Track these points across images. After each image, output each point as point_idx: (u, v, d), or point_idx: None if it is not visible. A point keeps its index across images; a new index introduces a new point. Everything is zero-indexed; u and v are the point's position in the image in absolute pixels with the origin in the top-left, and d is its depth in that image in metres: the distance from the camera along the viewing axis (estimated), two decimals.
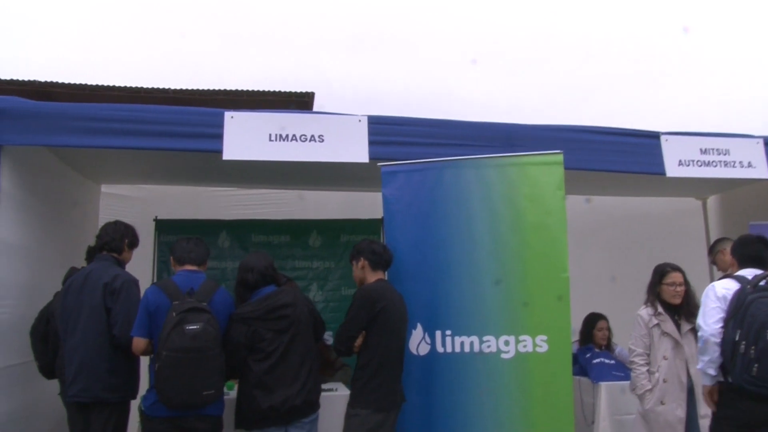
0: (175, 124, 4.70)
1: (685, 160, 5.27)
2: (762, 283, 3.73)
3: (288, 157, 4.68)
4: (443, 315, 4.26)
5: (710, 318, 3.84)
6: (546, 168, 4.27)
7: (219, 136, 4.61)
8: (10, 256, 4.57)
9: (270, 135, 4.67)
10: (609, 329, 5.74)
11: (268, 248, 6.42)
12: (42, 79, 10.83)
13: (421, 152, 4.74)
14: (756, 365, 3.52)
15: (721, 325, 3.76)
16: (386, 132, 4.86)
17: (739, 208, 7.21)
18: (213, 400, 3.68)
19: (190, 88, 11.12)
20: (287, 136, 4.68)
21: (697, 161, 5.30)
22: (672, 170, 5.22)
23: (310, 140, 4.71)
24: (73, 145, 4.62)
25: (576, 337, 5.84)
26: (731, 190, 7.23)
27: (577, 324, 5.84)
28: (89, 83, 10.99)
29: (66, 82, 10.85)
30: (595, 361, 5.31)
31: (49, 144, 4.67)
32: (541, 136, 4.98)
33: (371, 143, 4.77)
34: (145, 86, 11.07)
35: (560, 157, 4.25)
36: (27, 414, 4.81)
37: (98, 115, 4.66)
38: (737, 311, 3.67)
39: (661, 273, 4.71)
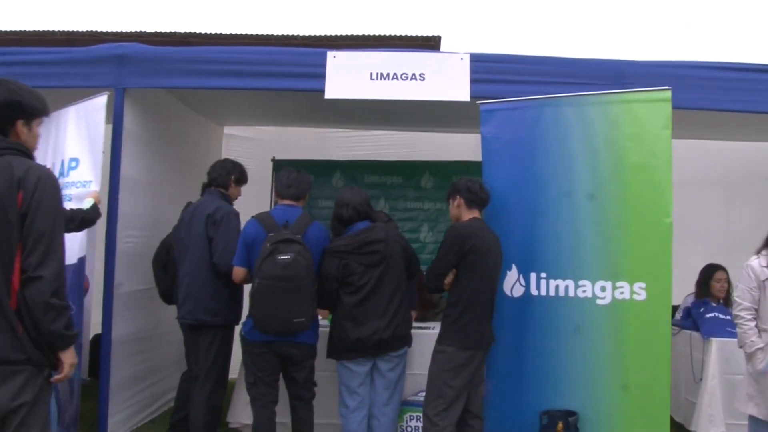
0: (280, 65, 4.84)
1: None
2: None
3: (389, 95, 4.69)
4: (539, 257, 4.17)
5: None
6: (652, 106, 4.02)
7: (322, 76, 4.68)
8: (135, 192, 4.96)
9: (371, 74, 4.70)
10: (729, 281, 5.37)
11: (381, 188, 6.53)
12: (182, 30, 11.47)
13: (526, 90, 4.58)
14: None
15: None
16: (490, 70, 4.75)
17: None
18: (304, 327, 3.83)
19: (317, 34, 11.32)
20: (388, 74, 4.69)
21: None
22: None
23: (411, 79, 4.68)
24: (186, 86, 4.92)
25: (693, 289, 5.54)
26: None
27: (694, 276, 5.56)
28: (223, 32, 11.45)
29: (202, 32, 11.38)
30: (708, 315, 4.99)
31: (165, 86, 4.96)
32: (656, 73, 4.65)
33: (474, 81, 4.67)
34: (275, 34, 11.37)
35: (668, 94, 3.98)
36: (150, 334, 5.27)
37: (209, 57, 4.91)
38: None
39: None
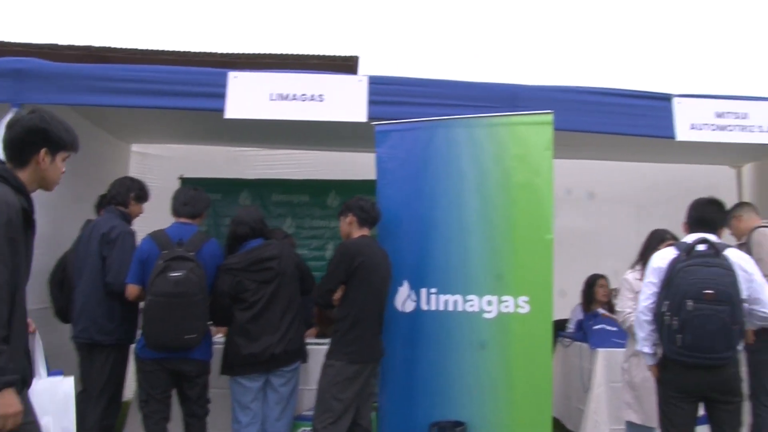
0: (181, 84, 4.87)
1: (698, 124, 5.11)
2: (701, 247, 3.59)
3: (288, 116, 4.79)
4: (429, 273, 4.33)
5: (642, 294, 3.76)
6: (535, 128, 4.23)
7: (223, 96, 4.74)
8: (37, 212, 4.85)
9: (271, 94, 4.78)
10: (609, 287, 5.80)
11: (288, 207, 6.61)
12: (97, 45, 11.29)
13: (423, 112, 4.75)
14: (679, 335, 3.43)
15: (651, 300, 3.65)
16: (388, 92, 4.89)
17: None
18: (195, 343, 3.86)
19: (236, 52, 11.33)
20: (288, 95, 4.78)
21: (712, 125, 5.13)
22: (683, 134, 5.07)
23: (311, 99, 4.79)
24: (85, 103, 4.87)
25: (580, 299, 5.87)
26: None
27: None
28: (140, 48, 11.32)
29: (119, 47, 11.23)
30: (596, 327, 5.26)
31: (63, 102, 4.88)
32: (547, 97, 4.90)
33: (372, 103, 4.81)
34: (193, 50, 11.32)
35: (550, 117, 4.20)
36: (45, 354, 5.14)
37: (110, 75, 4.89)
38: (667, 282, 3.56)
39: (660, 238, 4.62)
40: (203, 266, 3.93)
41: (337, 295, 4.06)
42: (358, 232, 4.21)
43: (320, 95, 4.79)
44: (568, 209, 7.27)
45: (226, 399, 4.19)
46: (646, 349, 3.76)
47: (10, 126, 2.52)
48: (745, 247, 4.91)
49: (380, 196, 4.48)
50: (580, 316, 5.79)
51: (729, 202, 6.86)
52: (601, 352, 5.06)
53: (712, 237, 3.70)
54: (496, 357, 4.21)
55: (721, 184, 7.25)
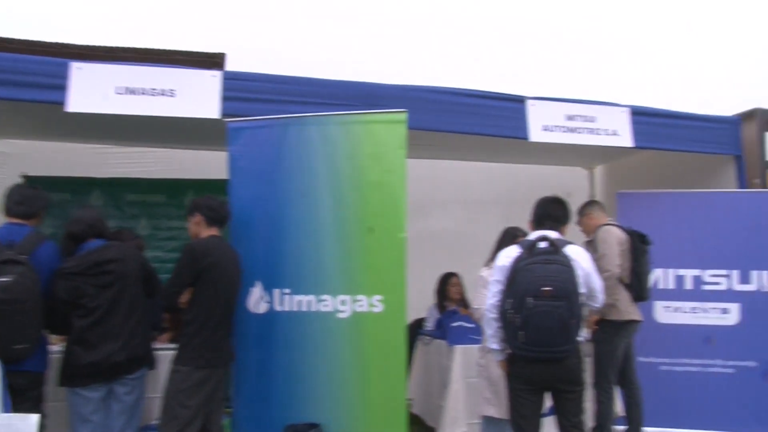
0: (21, 73, 4.49)
1: (550, 126, 5.30)
2: (542, 245, 3.71)
3: (135, 111, 4.53)
4: (282, 273, 4.24)
5: (488, 292, 3.86)
6: (389, 126, 4.23)
7: (63, 87, 4.44)
8: None
9: (118, 88, 4.52)
10: (462, 285, 5.99)
11: (143, 207, 6.33)
12: None
13: (280, 110, 4.64)
14: (522, 332, 3.55)
15: (497, 298, 3.75)
16: (243, 88, 4.76)
17: (624, 178, 7.35)
18: (27, 354, 3.58)
19: (95, 44, 10.76)
20: (136, 89, 4.54)
21: (563, 127, 5.34)
22: (536, 135, 5.24)
23: (161, 94, 4.57)
24: None
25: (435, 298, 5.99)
26: (617, 160, 7.35)
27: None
28: None
29: None
30: (454, 324, 5.34)
31: None
32: (404, 96, 4.93)
33: (226, 99, 4.66)
34: (47, 40, 10.65)
35: (404, 116, 4.21)
36: None
37: None
38: (510, 280, 3.67)
39: (512, 236, 4.74)
40: (37, 270, 3.64)
41: (184, 297, 3.88)
42: (206, 232, 4.05)
43: (171, 90, 4.58)
44: (439, 210, 7.43)
45: (65, 412, 3.91)
46: (495, 346, 3.84)
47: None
48: (592, 243, 5.14)
49: (232, 195, 4.34)
50: (435, 314, 5.87)
51: (583, 201, 7.26)
52: (459, 349, 5.13)
53: (553, 234, 3.82)
54: (350, 357, 4.17)
55: (576, 184, 7.61)
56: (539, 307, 3.51)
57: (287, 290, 4.21)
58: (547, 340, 3.54)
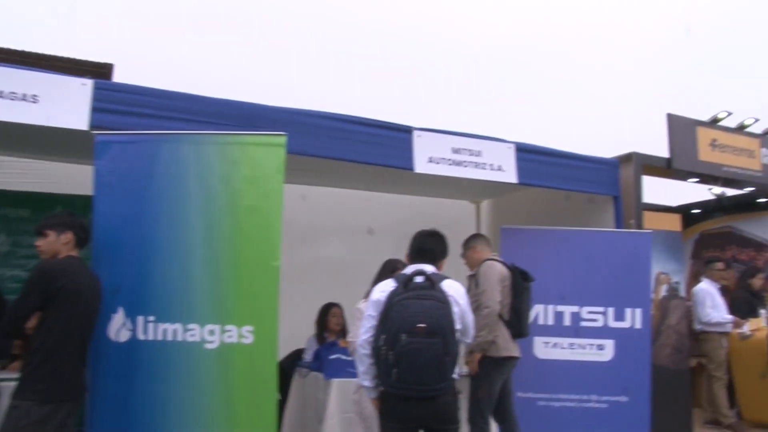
0: None
1: (435, 158, 5.26)
2: (418, 279, 3.61)
3: None
4: (147, 299, 3.93)
5: (362, 328, 3.71)
6: (268, 149, 4.05)
7: None
8: None
9: None
10: (343, 316, 5.87)
11: (4, 222, 5.83)
12: None
13: (155, 125, 4.40)
14: (395, 369, 3.41)
15: (371, 333, 3.59)
16: (116, 100, 4.45)
17: (509, 213, 7.44)
18: None
19: None
20: None
21: (448, 160, 5.31)
22: (421, 166, 5.19)
23: (22, 99, 4.21)
24: None
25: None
26: (503, 195, 7.45)
27: None
28: None
29: None
30: (332, 356, 5.17)
31: None
32: (288, 119, 4.76)
33: (98, 111, 4.35)
34: None
35: (283, 140, 4.05)
36: None
37: None
38: (384, 316, 3.53)
39: (392, 268, 4.64)
40: None
41: (32, 322, 3.52)
42: (66, 253, 3.71)
43: (34, 95, 4.22)
44: (325, 238, 7.26)
45: None
46: (367, 383, 3.68)
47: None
48: (475, 277, 5.12)
49: (96, 212, 4.01)
50: (314, 345, 5.69)
51: (468, 235, 7.27)
52: (335, 383, 4.94)
53: (430, 268, 3.73)
54: (217, 390, 3.91)
55: (463, 218, 7.65)
56: (413, 344, 3.39)
57: (152, 318, 3.90)
58: (421, 377, 3.41)
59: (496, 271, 5.03)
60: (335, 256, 7.22)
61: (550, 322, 5.83)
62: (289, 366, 5.72)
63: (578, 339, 5.81)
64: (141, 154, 4.09)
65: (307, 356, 5.75)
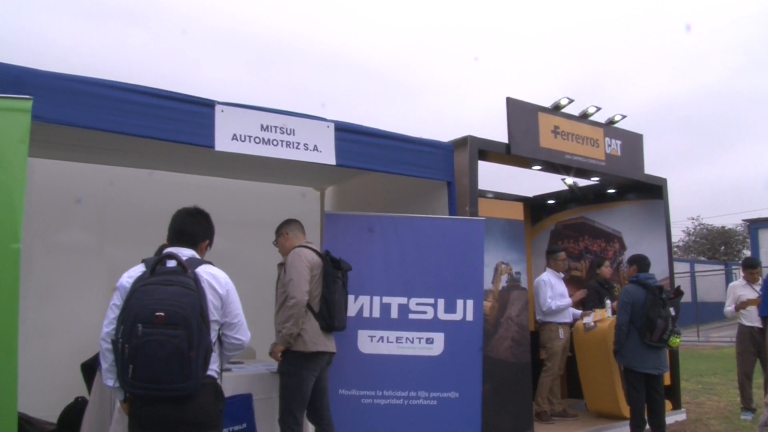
0: None
1: (241, 135, 4.77)
2: (169, 264, 3.15)
3: None
4: None
5: (105, 319, 3.15)
6: (8, 115, 3.46)
7: None
8: None
9: None
10: None
11: None
12: None
13: None
14: (131, 365, 2.93)
15: (113, 326, 3.05)
16: None
17: (353, 199, 7.09)
18: None
19: None
20: None
21: (256, 138, 4.84)
22: (223, 144, 4.68)
23: None
24: None
25: None
26: (347, 181, 7.07)
27: None
28: None
29: None
30: None
31: None
32: (61, 87, 4.15)
33: None
34: None
35: (28, 104, 3.44)
36: None
37: None
38: (125, 304, 3.03)
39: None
40: None
41: None
42: None
43: None
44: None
45: None
46: (110, 383, 3.14)
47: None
48: (285, 265, 4.71)
49: None
50: None
51: (315, 223, 6.83)
52: None
53: (187, 252, 3.27)
54: None
55: (307, 205, 7.23)
56: (151, 335, 2.89)
57: None
58: (159, 375, 2.91)
59: (304, 260, 4.63)
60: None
61: (376, 314, 5.46)
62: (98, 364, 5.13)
63: (406, 332, 5.47)
64: None
65: None
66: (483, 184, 8.17)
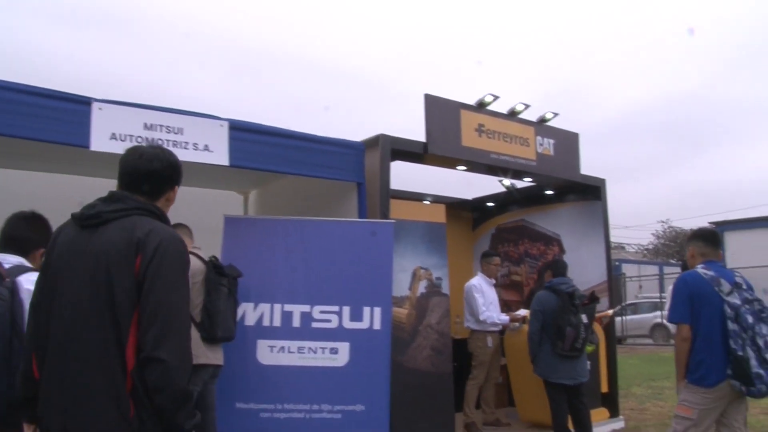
0: None
1: (121, 135, 4.49)
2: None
3: None
4: None
5: None
6: None
7: None
8: None
9: None
10: None
11: None
12: None
13: None
14: None
15: None
16: None
17: (275, 204, 6.84)
18: None
19: None
20: None
21: (138, 137, 4.55)
22: (100, 144, 4.40)
23: None
24: None
25: None
26: (269, 184, 6.81)
27: None
28: None
29: None
30: None
31: None
32: None
33: None
34: None
35: None
36: None
37: None
38: None
39: None
40: None
41: None
42: None
43: None
44: None
45: None
46: None
47: (150, 159, 2.46)
48: None
49: None
50: None
51: None
52: None
53: (14, 259, 2.99)
54: None
55: (230, 210, 6.93)
56: None
57: None
58: None
59: None
60: None
61: (277, 323, 5.17)
62: None
63: (309, 342, 5.19)
64: None
65: None
66: (424, 187, 7.92)
